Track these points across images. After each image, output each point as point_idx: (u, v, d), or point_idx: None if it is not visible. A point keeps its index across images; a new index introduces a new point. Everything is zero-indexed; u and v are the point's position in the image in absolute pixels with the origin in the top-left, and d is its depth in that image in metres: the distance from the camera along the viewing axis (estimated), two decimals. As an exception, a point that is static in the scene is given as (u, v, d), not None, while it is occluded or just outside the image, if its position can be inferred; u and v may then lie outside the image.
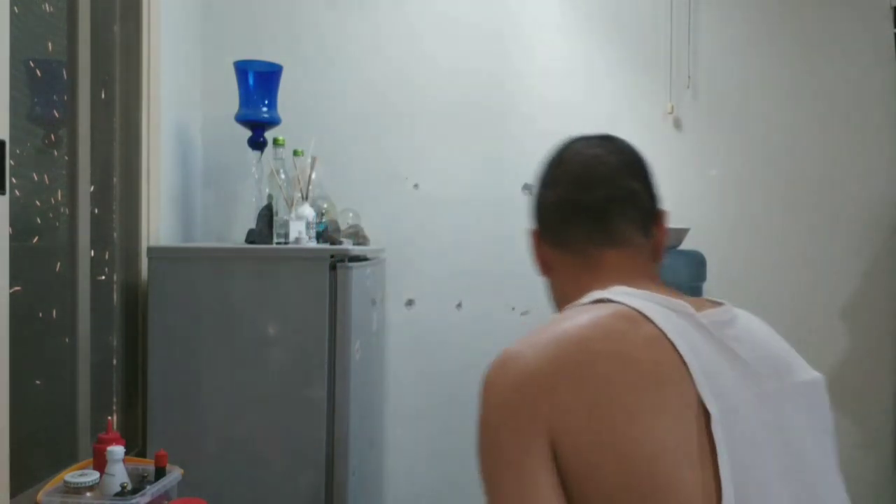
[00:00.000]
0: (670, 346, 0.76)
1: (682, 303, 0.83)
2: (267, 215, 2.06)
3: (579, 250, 0.94)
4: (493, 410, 0.77)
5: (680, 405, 0.73)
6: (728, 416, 0.74)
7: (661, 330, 0.77)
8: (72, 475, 1.50)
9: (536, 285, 2.50)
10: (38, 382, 1.69)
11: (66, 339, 1.79)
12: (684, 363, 0.75)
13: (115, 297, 1.98)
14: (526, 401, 0.74)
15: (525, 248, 2.69)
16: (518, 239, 2.53)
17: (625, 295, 0.83)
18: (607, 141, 0.99)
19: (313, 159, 2.11)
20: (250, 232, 2.09)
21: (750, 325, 0.88)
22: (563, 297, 0.96)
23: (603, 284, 0.88)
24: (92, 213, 1.88)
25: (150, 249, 1.98)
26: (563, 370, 0.74)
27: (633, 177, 0.96)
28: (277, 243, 2.01)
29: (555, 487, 0.71)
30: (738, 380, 0.78)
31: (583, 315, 0.81)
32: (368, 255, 2.17)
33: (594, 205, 0.93)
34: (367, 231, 2.37)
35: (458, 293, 2.50)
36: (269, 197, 2.12)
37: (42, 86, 1.72)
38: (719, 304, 0.89)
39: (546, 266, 1.01)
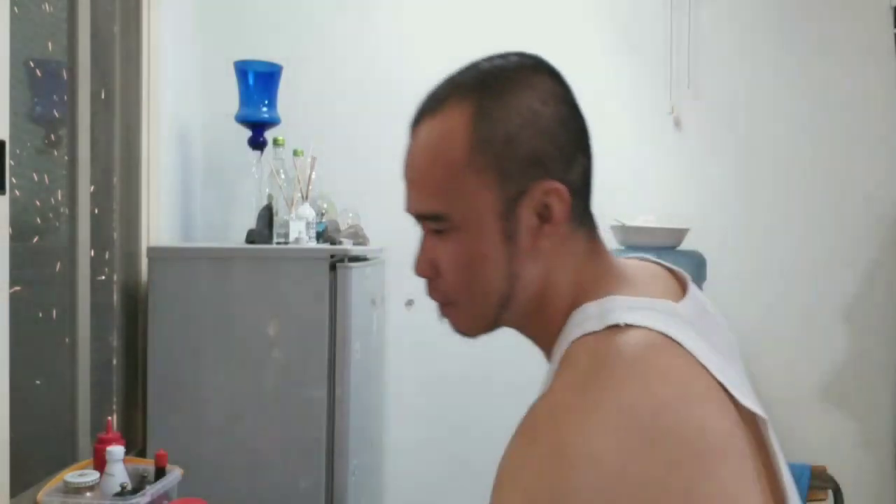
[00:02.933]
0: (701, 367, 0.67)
1: (669, 304, 0.74)
2: (267, 215, 2.06)
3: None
4: None
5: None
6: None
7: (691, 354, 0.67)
8: (72, 475, 1.50)
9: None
10: (38, 382, 1.69)
11: (66, 339, 1.79)
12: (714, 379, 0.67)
13: (115, 297, 1.98)
14: None
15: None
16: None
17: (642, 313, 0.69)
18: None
19: (313, 159, 2.11)
20: (250, 232, 2.09)
21: (708, 308, 0.81)
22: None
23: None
24: (92, 213, 1.87)
25: (150, 249, 1.98)
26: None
27: None
28: (277, 243, 2.01)
29: None
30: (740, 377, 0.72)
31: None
32: (368, 255, 2.17)
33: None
34: (367, 231, 2.37)
35: (458, 293, 2.49)
36: (269, 197, 2.12)
37: (42, 86, 1.72)
38: (674, 272, 0.82)
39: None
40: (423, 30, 2.51)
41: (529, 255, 0.73)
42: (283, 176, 2.09)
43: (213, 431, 1.89)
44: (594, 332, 0.68)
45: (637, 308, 0.70)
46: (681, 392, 0.65)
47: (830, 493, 2.35)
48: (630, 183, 2.46)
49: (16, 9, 1.54)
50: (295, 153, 2.16)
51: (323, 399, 1.88)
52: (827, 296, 2.48)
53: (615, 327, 0.68)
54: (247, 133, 2.19)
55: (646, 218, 2.37)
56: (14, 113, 1.51)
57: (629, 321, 0.68)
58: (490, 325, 0.80)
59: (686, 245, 2.30)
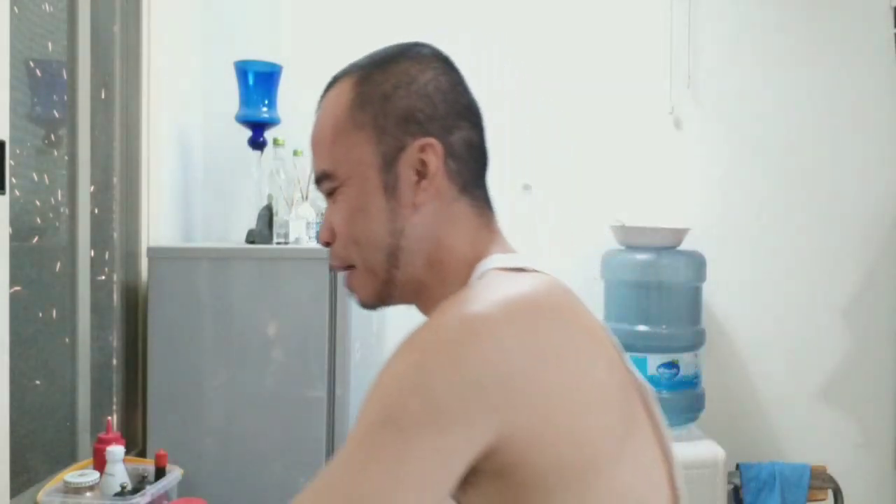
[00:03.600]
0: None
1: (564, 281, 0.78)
2: (267, 215, 2.06)
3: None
4: None
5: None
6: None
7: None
8: (72, 475, 1.50)
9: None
10: (38, 382, 1.69)
11: (66, 339, 1.79)
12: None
13: (115, 297, 1.98)
14: None
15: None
16: (517, 238, 2.53)
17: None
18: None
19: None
20: (250, 232, 2.09)
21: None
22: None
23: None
24: (92, 213, 1.88)
25: (150, 249, 1.98)
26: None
27: None
28: (277, 243, 2.01)
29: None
30: None
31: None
32: (368, 255, 2.17)
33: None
34: (367, 231, 2.37)
35: (458, 293, 2.49)
36: (269, 197, 2.12)
37: (42, 86, 1.72)
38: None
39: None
40: (422, 28, 2.51)
41: (412, 210, 0.76)
42: (283, 176, 2.09)
43: (213, 431, 1.89)
44: (503, 268, 0.72)
45: (542, 268, 0.74)
46: (590, 333, 0.69)
47: (830, 493, 2.35)
48: (630, 183, 2.46)
49: (16, 9, 1.54)
50: (295, 153, 2.16)
51: (323, 399, 1.88)
52: (827, 296, 2.48)
53: (522, 270, 0.72)
54: (247, 133, 2.19)
55: (646, 218, 2.38)
56: (14, 113, 1.51)
57: (537, 269, 0.73)
58: (384, 287, 0.81)
59: (686, 245, 2.31)
